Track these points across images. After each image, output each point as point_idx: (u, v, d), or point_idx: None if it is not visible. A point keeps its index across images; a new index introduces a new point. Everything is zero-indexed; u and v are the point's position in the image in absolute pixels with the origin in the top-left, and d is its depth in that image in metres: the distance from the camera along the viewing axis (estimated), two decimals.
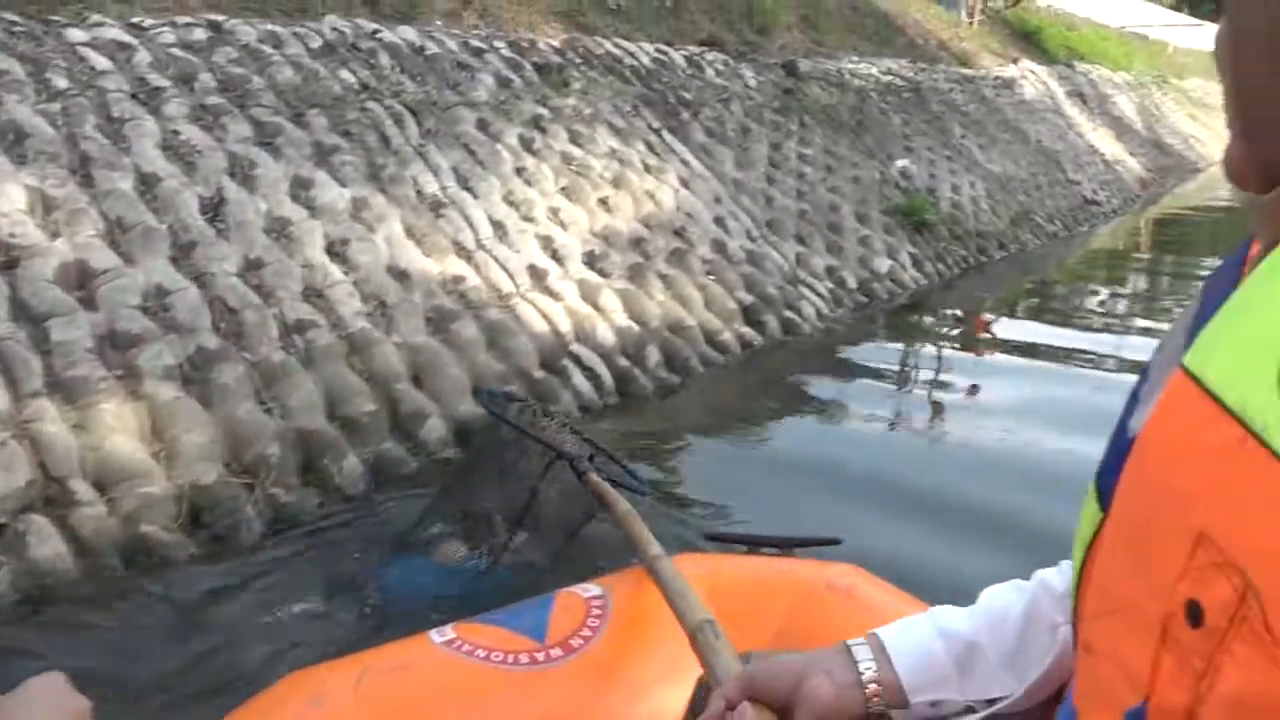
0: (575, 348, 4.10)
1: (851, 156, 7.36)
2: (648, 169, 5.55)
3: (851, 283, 5.97)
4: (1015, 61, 13.16)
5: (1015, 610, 0.74)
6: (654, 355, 4.36)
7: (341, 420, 3.20)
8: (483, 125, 4.95)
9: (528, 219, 4.61)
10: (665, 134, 5.96)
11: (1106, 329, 6.31)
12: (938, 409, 4.56)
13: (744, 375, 4.66)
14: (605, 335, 4.25)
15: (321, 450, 3.08)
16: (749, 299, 5.15)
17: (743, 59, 7.57)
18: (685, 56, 7.06)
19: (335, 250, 3.77)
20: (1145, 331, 6.14)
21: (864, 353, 5.19)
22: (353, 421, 3.21)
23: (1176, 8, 33.84)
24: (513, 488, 2.30)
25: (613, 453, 2.55)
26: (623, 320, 4.40)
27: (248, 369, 3.12)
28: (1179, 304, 6.87)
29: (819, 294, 5.65)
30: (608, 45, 6.56)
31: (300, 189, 3.92)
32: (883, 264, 6.33)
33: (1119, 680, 0.46)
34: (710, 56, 7.28)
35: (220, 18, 4.72)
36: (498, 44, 5.74)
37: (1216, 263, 0.58)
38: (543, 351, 3.94)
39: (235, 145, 3.92)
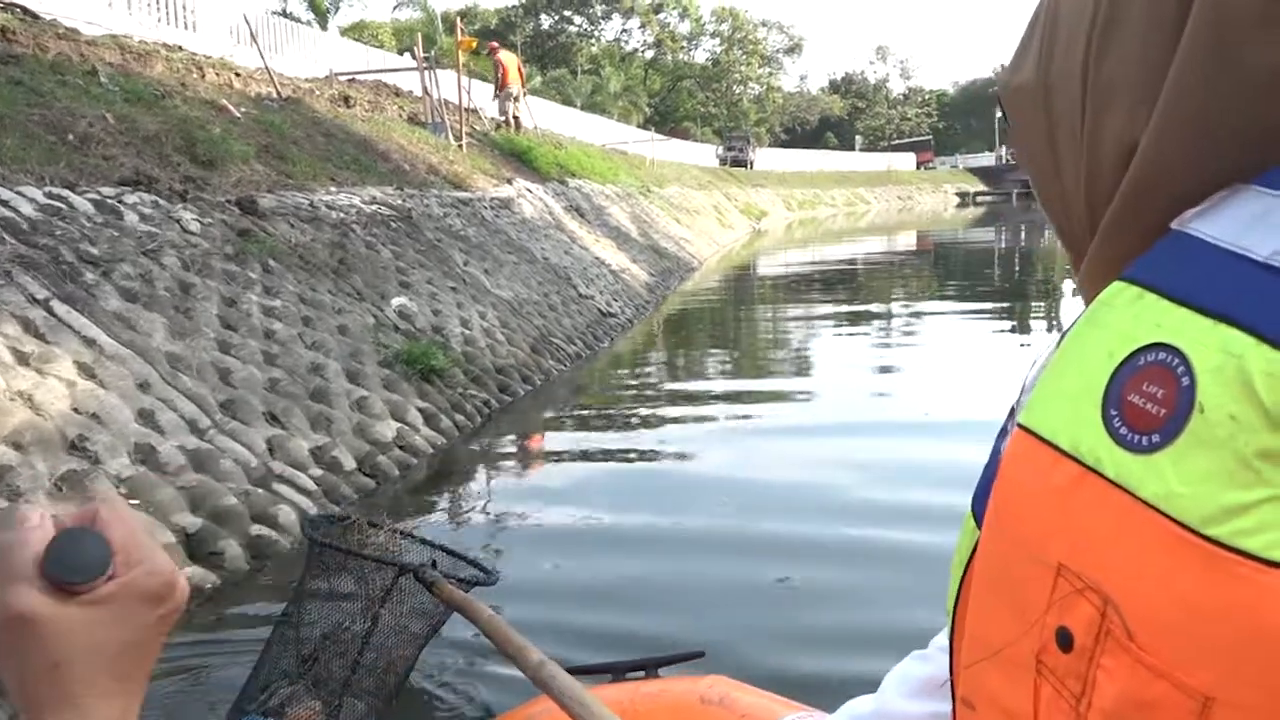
0: None
1: (335, 302, 6.15)
2: (22, 359, 3.89)
3: (348, 463, 4.70)
4: (510, 181, 12.93)
5: None
6: None
7: None
8: None
9: None
10: (56, 305, 4.33)
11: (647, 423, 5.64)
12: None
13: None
14: None
15: None
16: (195, 523, 3.68)
17: (181, 199, 6.09)
18: (94, 201, 5.44)
19: None
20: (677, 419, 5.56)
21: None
22: None
23: (645, 126, 37.59)
24: (355, 617, 2.16)
25: (451, 548, 2.47)
26: None
27: None
28: (692, 384, 6.52)
29: (304, 490, 4.31)
30: None
31: None
32: (387, 429, 5.15)
33: None
34: (133, 199, 5.72)
35: None
36: None
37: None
38: None
39: None
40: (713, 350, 9.96)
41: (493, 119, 17.37)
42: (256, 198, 6.75)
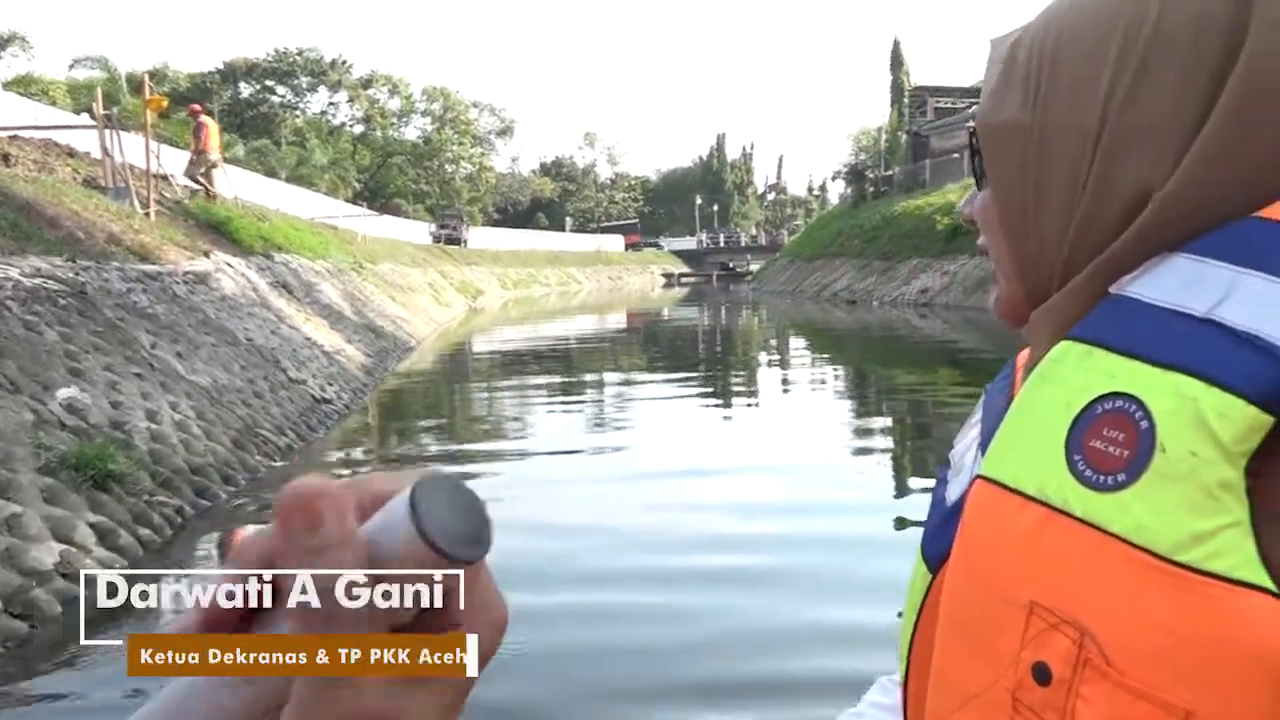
0: None
1: None
2: None
3: None
4: (207, 254, 11.74)
5: None
6: None
7: None
8: None
9: None
10: None
11: None
12: None
13: None
14: None
15: None
16: None
17: None
18: None
19: None
20: None
21: None
22: None
23: (355, 201, 36.37)
24: None
25: None
26: None
27: None
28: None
29: None
30: None
31: None
32: (47, 554, 4.17)
33: None
34: None
35: None
36: None
37: None
38: None
39: None
40: (430, 431, 9.48)
41: (186, 186, 15.89)
42: None
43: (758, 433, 9.01)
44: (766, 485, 6.57)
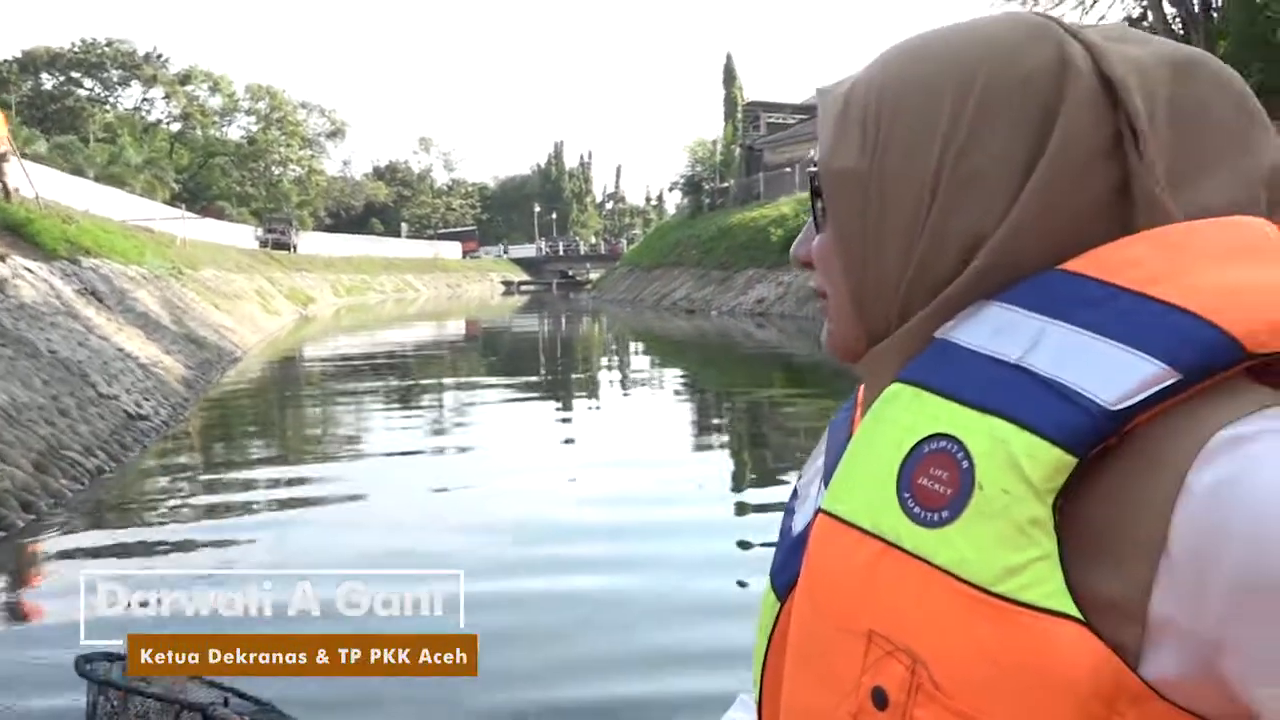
0: None
1: None
2: None
3: None
4: (3, 259, 10.77)
5: None
6: None
7: None
8: None
9: None
10: None
11: None
12: None
13: None
14: None
15: None
16: None
17: None
18: None
19: None
20: None
21: None
22: None
23: (173, 203, 34.38)
24: None
25: (242, 690, 2.32)
26: None
27: None
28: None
29: None
30: None
31: None
32: None
33: None
34: None
35: None
36: None
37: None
38: None
39: None
40: (258, 446, 9.03)
41: None
42: None
43: (600, 436, 9.02)
44: (609, 481, 6.72)
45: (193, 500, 6.52)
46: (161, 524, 5.87)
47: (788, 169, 34.10)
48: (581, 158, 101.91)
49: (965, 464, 0.46)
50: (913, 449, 0.49)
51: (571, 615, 4.19)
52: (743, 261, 29.28)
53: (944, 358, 0.51)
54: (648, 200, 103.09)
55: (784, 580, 0.59)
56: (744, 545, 5.23)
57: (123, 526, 5.78)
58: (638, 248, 51.08)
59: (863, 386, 0.62)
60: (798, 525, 0.61)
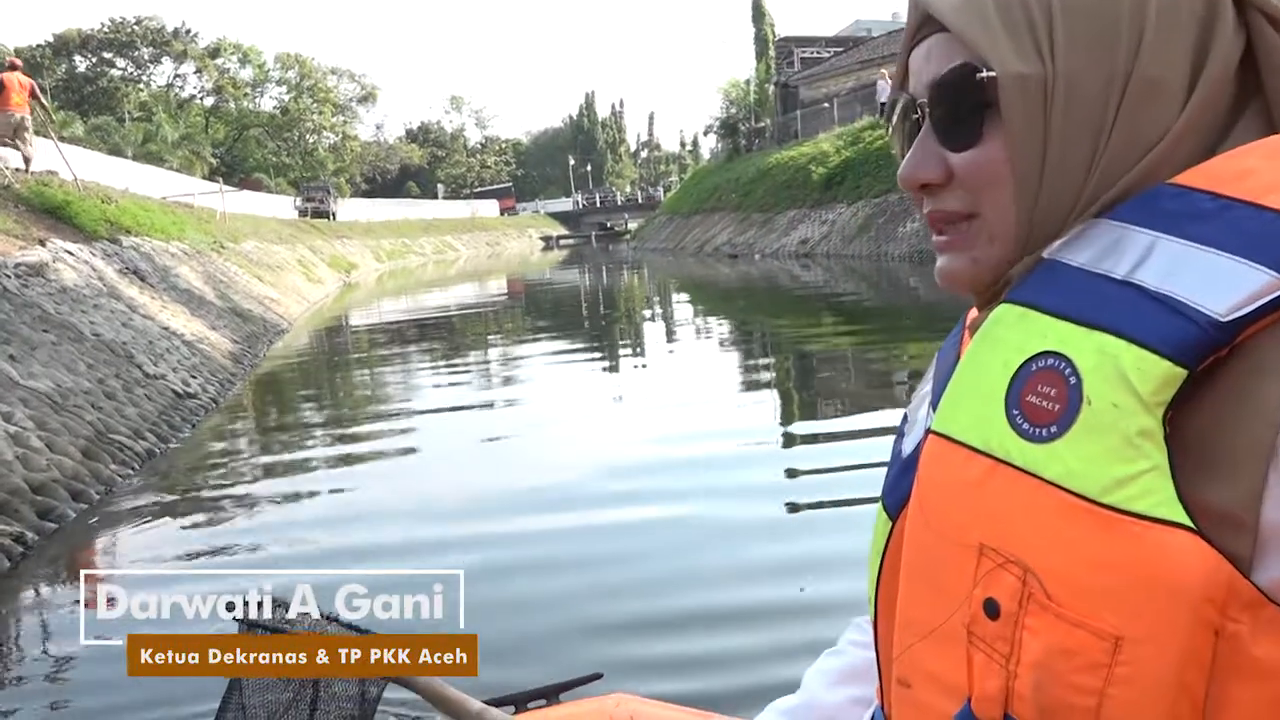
0: None
1: None
2: None
3: None
4: (43, 243, 10.72)
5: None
6: None
7: None
8: None
9: None
10: None
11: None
12: None
13: None
14: None
15: None
16: None
17: None
18: None
19: None
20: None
21: None
22: None
23: (210, 177, 34.49)
24: (295, 698, 1.83)
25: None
26: None
27: None
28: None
29: None
30: None
31: None
32: None
33: (939, 697, 0.53)
34: None
35: None
36: None
37: None
38: None
39: None
40: (311, 417, 8.89)
41: (17, 170, 14.50)
42: None
43: (654, 390, 8.82)
44: (668, 433, 6.61)
45: (239, 480, 6.40)
46: (202, 508, 5.73)
47: (825, 104, 33.24)
48: (613, 107, 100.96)
49: (1073, 380, 0.47)
50: (1020, 367, 0.50)
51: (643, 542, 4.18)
52: (784, 202, 28.70)
53: (1051, 277, 0.52)
54: (683, 145, 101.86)
55: (895, 500, 0.60)
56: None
57: (181, 515, 5.62)
58: (675, 194, 50.46)
59: (971, 311, 0.63)
60: (907, 448, 0.62)
